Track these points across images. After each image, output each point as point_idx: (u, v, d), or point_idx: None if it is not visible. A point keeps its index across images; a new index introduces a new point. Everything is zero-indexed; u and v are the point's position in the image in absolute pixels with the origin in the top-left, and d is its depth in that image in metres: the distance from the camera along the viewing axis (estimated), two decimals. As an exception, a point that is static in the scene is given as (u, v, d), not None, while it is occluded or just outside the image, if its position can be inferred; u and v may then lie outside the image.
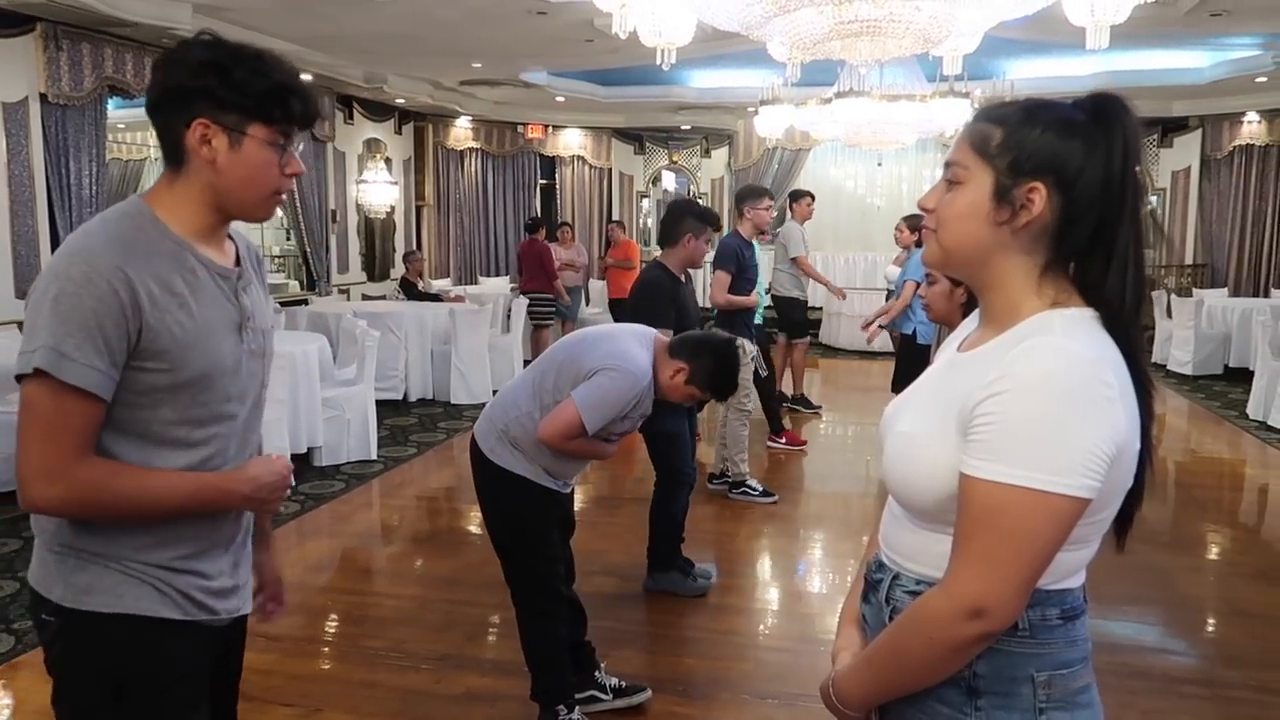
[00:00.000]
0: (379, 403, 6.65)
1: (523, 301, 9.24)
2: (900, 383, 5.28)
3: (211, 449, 1.47)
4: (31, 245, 6.41)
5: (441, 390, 8.14)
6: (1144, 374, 1.17)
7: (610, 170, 13.23)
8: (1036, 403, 1.08)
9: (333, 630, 3.80)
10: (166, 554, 1.46)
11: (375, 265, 11.02)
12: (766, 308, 6.88)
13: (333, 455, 6.01)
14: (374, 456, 6.23)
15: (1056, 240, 1.18)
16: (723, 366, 2.89)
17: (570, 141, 12.96)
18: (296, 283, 10.13)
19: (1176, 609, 4.02)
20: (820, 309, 11.46)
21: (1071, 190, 1.16)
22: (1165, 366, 9.72)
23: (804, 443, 6.68)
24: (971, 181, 1.19)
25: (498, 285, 11.66)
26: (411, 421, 7.43)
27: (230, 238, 1.56)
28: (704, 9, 4.63)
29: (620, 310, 8.81)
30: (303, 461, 5.80)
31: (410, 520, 5.33)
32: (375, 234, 11.02)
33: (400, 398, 7.86)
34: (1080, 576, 1.22)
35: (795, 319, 7.60)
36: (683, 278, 4.28)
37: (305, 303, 9.03)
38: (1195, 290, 10.84)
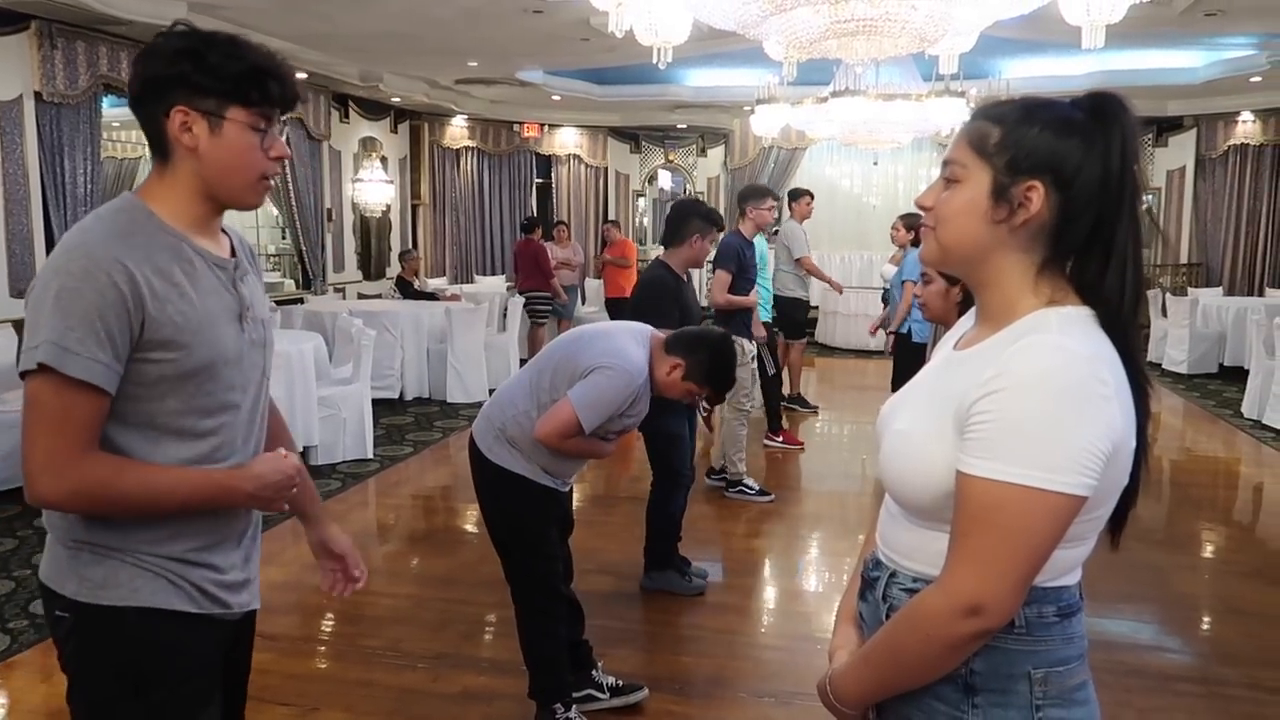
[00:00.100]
0: (375, 402, 6.64)
1: (519, 300, 9.23)
2: (899, 382, 5.29)
3: (218, 439, 1.48)
4: (26, 244, 6.39)
5: (437, 389, 8.14)
6: (1141, 372, 1.18)
7: (606, 169, 13.23)
8: (1033, 401, 1.08)
9: (329, 629, 3.79)
10: (179, 546, 1.47)
11: (371, 264, 11.01)
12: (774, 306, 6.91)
13: (328, 454, 6.00)
14: (370, 455, 6.22)
15: (1054, 239, 1.19)
16: (719, 361, 2.89)
17: (566, 140, 12.96)
18: (292, 282, 10.12)
19: (1172, 607, 4.03)
20: (816, 308, 11.47)
21: (1069, 189, 1.16)
22: (1160, 365, 9.75)
23: (801, 443, 6.69)
24: (969, 180, 1.19)
25: (494, 284, 11.66)
26: (407, 420, 7.43)
27: (224, 231, 1.57)
28: (700, 8, 4.63)
29: (617, 310, 8.82)
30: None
31: (406, 519, 5.33)
32: (371, 233, 11.01)
33: (396, 397, 7.85)
34: (1076, 574, 1.22)
35: (797, 319, 7.60)
36: (685, 277, 4.29)
37: (301, 302, 9.02)
38: (1190, 289, 10.87)
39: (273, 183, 1.52)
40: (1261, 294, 10.64)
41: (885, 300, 7.04)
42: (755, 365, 5.61)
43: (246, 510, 1.58)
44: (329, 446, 6.00)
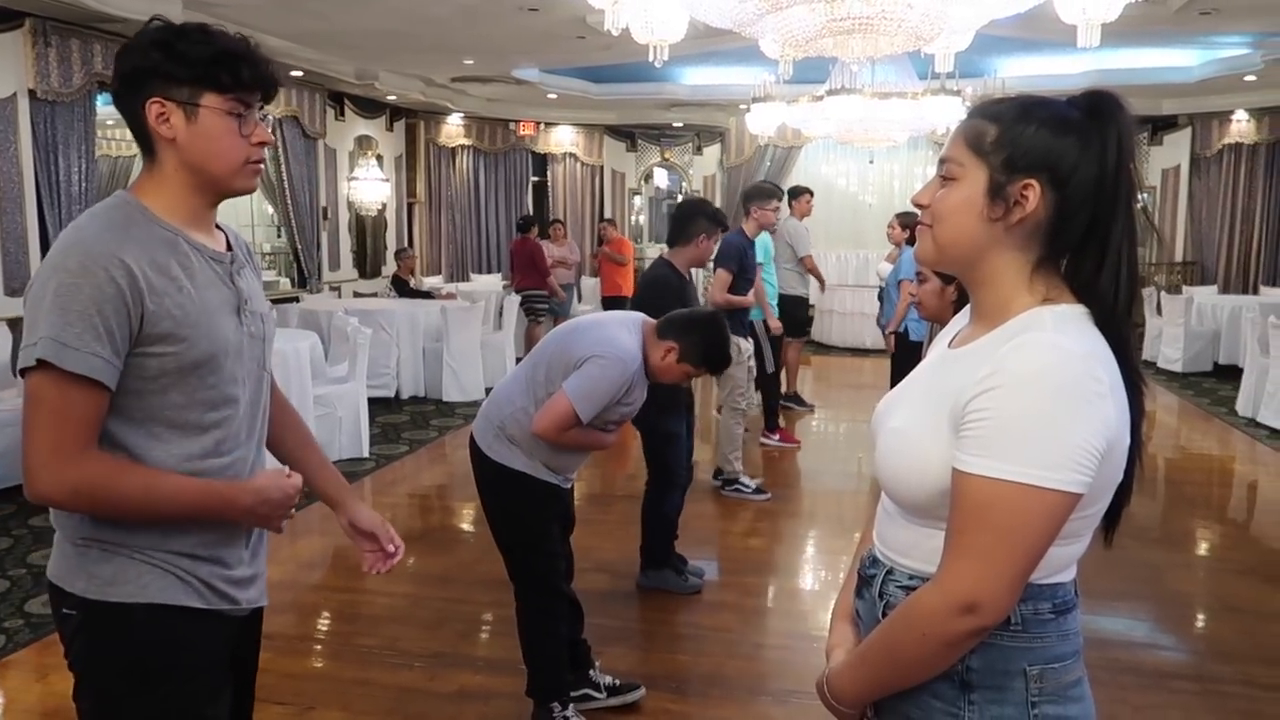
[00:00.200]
0: (371, 400, 6.64)
1: (514, 299, 9.22)
2: (897, 381, 5.29)
3: (221, 432, 1.49)
4: (20, 243, 6.37)
5: (433, 388, 8.13)
6: (1135, 371, 1.18)
7: (602, 167, 13.22)
8: (1029, 399, 1.09)
9: (325, 628, 3.79)
10: (188, 541, 1.47)
11: (367, 262, 10.99)
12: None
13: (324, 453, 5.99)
14: (366, 454, 6.22)
15: (1049, 237, 1.19)
16: (712, 339, 2.89)
17: (562, 139, 12.95)
18: (288, 280, 10.10)
19: (1167, 605, 4.04)
20: (813, 306, 11.49)
21: (1065, 187, 1.16)
22: (1155, 364, 9.76)
23: (798, 441, 6.70)
24: (966, 178, 1.20)
25: (490, 282, 11.66)
26: (403, 419, 7.42)
27: (220, 227, 1.57)
28: (696, 6, 4.62)
29: (614, 308, 8.81)
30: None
31: (402, 518, 5.32)
32: (367, 231, 10.99)
33: (392, 395, 7.84)
34: (1072, 571, 1.23)
35: (798, 317, 7.60)
36: (688, 276, 4.29)
37: (296, 300, 9.00)
38: (1185, 288, 10.90)
39: (263, 168, 1.52)
40: (1256, 292, 10.66)
41: (881, 299, 7.05)
42: (750, 363, 5.61)
43: None
44: (325, 445, 5.92)
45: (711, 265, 5.38)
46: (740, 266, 5.29)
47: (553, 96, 11.47)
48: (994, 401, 1.10)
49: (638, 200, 13.72)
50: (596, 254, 11.24)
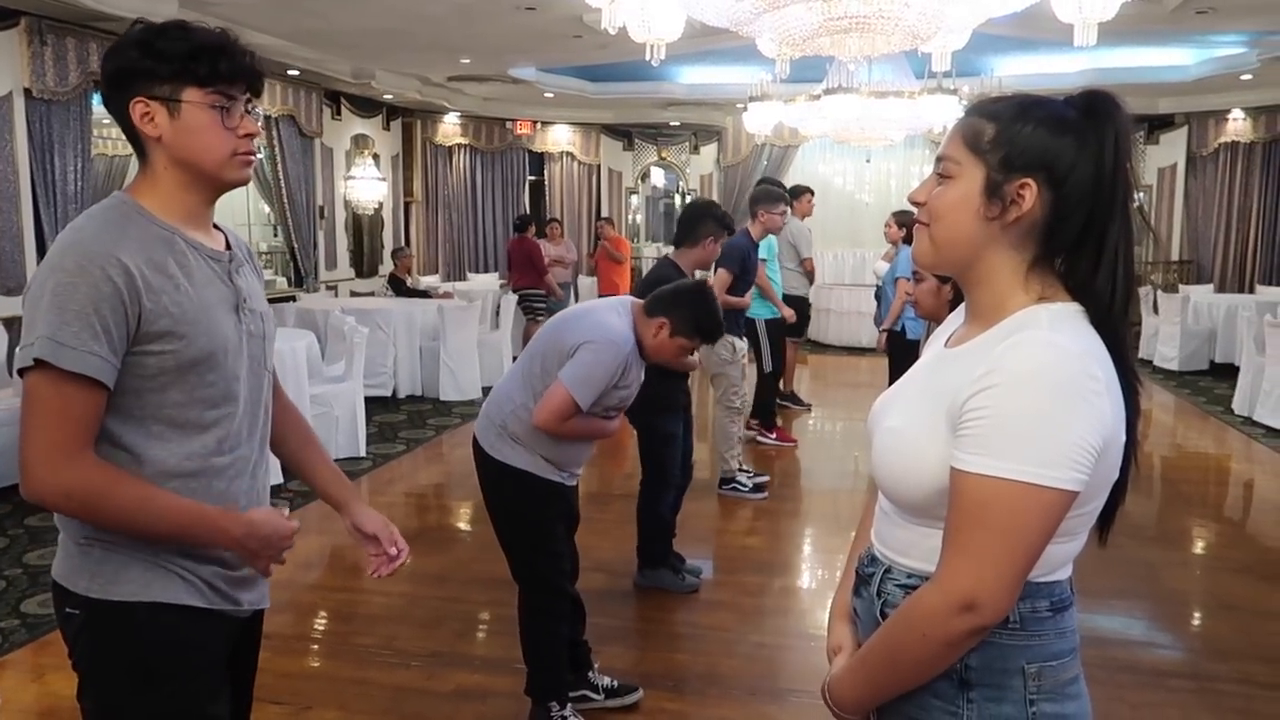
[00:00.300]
0: (367, 399, 6.64)
1: (511, 298, 9.22)
2: (895, 379, 5.29)
3: (222, 430, 1.49)
4: (16, 241, 6.36)
5: (430, 387, 8.12)
6: (1130, 370, 1.18)
7: (599, 166, 13.22)
8: (1026, 397, 1.09)
9: (322, 627, 3.79)
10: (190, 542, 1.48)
11: (363, 262, 10.98)
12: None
13: (321, 452, 5.98)
14: (363, 453, 6.21)
15: (1045, 236, 1.19)
16: (702, 308, 2.89)
17: (559, 138, 12.94)
18: (284, 279, 10.08)
19: (1163, 603, 4.05)
20: (810, 305, 11.49)
21: (1062, 187, 1.16)
22: (1151, 362, 9.78)
23: (794, 440, 6.70)
24: (963, 176, 1.20)
25: (486, 281, 11.65)
26: (400, 418, 7.42)
27: (219, 228, 1.58)
28: (693, 4, 4.62)
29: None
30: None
31: (399, 517, 5.32)
32: (363, 230, 10.98)
33: (389, 394, 7.83)
34: (1068, 569, 1.23)
35: (800, 317, 7.61)
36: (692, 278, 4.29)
37: (293, 299, 8.99)
38: (1181, 286, 10.91)
39: (260, 166, 1.52)
40: (1252, 291, 10.67)
41: (878, 297, 7.05)
42: (745, 362, 5.60)
43: (255, 506, 1.58)
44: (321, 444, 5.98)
45: (713, 265, 5.38)
46: (741, 269, 5.28)
47: (549, 95, 11.46)
48: (991, 400, 1.10)
49: (634, 199, 13.72)
50: (594, 253, 11.23)
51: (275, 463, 1.85)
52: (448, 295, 9.26)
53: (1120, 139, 1.16)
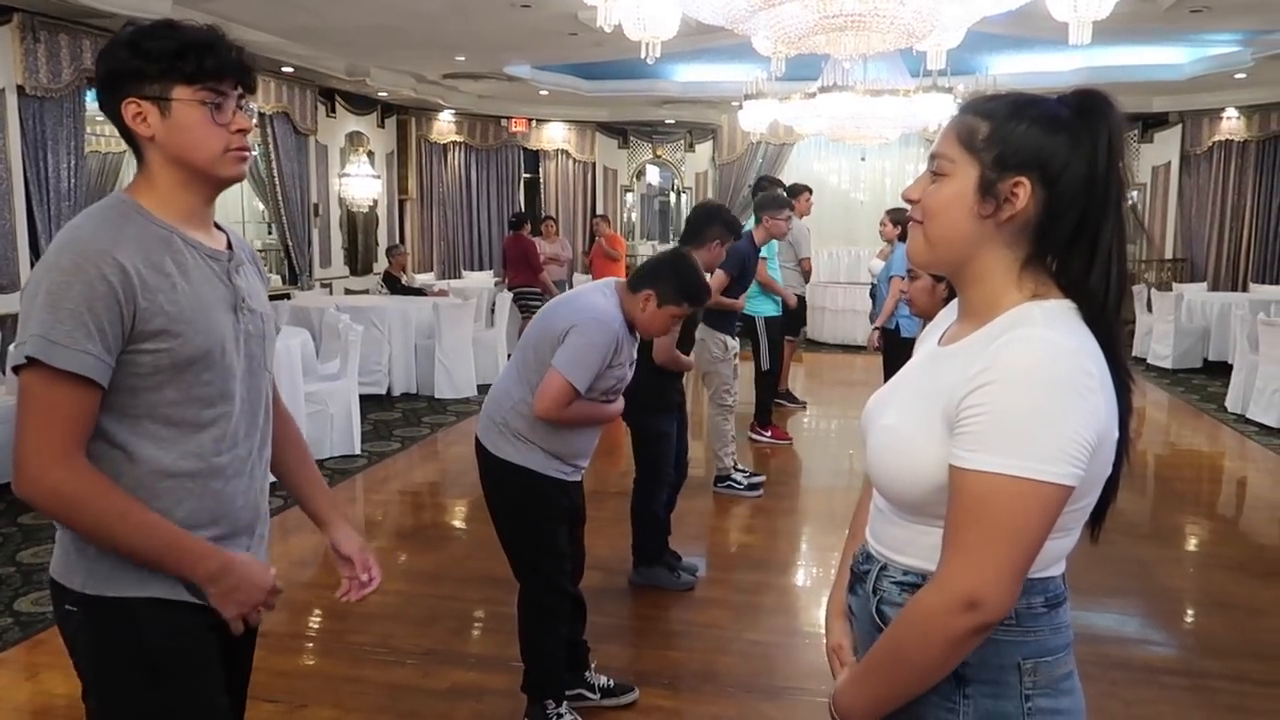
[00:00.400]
0: (362, 397, 6.62)
1: (507, 296, 9.21)
2: (890, 377, 5.30)
3: (218, 430, 1.49)
4: (9, 239, 6.34)
5: (425, 385, 8.11)
6: (1123, 367, 1.19)
7: (594, 164, 13.20)
8: (1022, 393, 1.09)
9: (317, 626, 3.78)
10: None
11: (358, 259, 10.97)
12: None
13: (316, 450, 5.96)
14: (357, 451, 6.21)
15: (1039, 234, 1.19)
16: (684, 272, 2.89)
17: (554, 135, 12.93)
18: (278, 277, 10.06)
19: (1157, 601, 4.06)
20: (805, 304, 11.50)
21: (1055, 185, 1.17)
22: (1145, 360, 9.80)
23: (789, 437, 6.71)
24: (957, 174, 1.20)
25: (481, 279, 11.63)
26: (395, 416, 7.41)
27: (220, 227, 1.58)
28: (689, 2, 4.63)
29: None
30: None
31: (394, 515, 5.32)
32: (358, 228, 10.96)
33: (384, 392, 7.82)
34: (1062, 565, 1.24)
35: (797, 315, 7.62)
36: None
37: (288, 297, 8.97)
38: (1175, 285, 10.93)
39: (254, 163, 1.52)
40: (1245, 289, 10.71)
41: (873, 295, 7.06)
42: (736, 360, 5.60)
43: (253, 506, 1.58)
44: (316, 442, 5.97)
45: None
46: (740, 272, 5.28)
47: (544, 93, 11.45)
48: (988, 397, 1.10)
49: (630, 197, 13.71)
50: (590, 251, 11.22)
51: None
52: (443, 293, 9.25)
53: (1113, 138, 1.17)
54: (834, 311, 11.41)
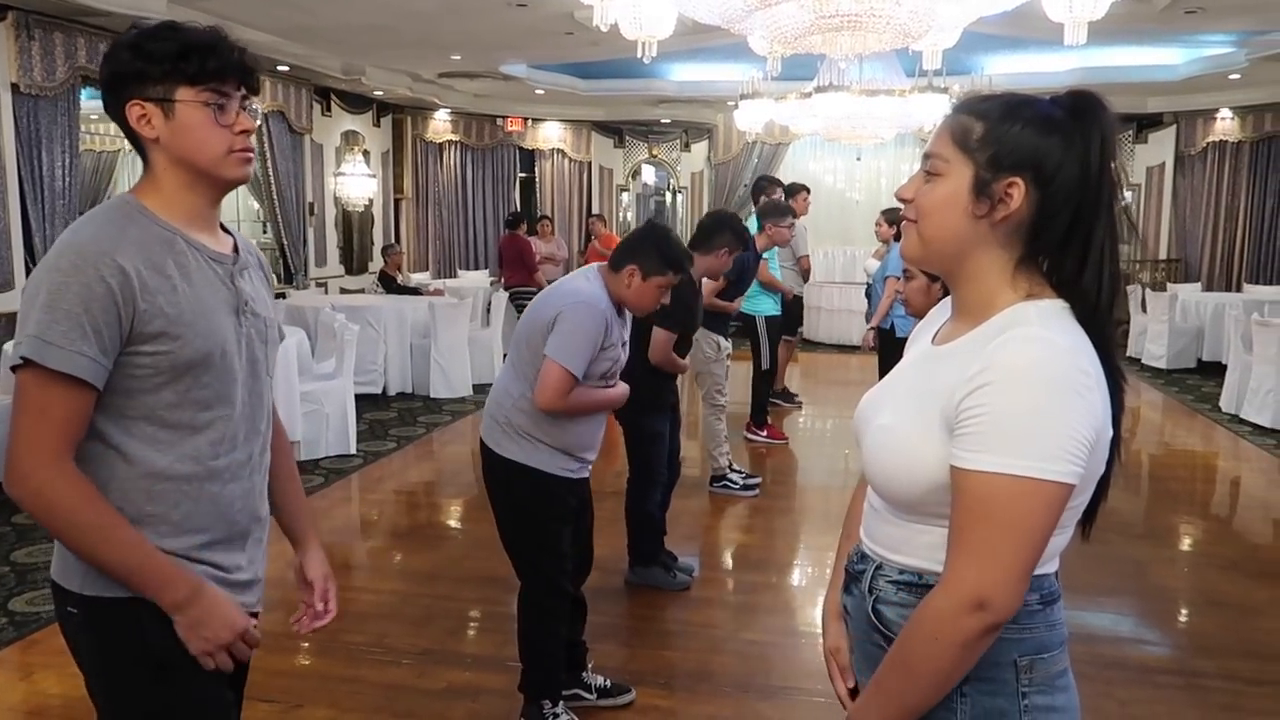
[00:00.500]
0: (358, 397, 6.61)
1: (502, 295, 9.21)
2: (885, 376, 5.30)
3: (216, 433, 1.48)
4: (4, 238, 6.31)
5: (421, 384, 8.10)
6: (1115, 367, 1.20)
7: (590, 164, 13.19)
8: (1021, 393, 1.10)
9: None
10: (183, 542, 1.47)
11: (353, 258, 10.95)
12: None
13: (311, 450, 5.97)
14: (353, 451, 6.20)
15: (1033, 235, 1.20)
16: (662, 241, 2.88)
17: (550, 135, 12.91)
18: (274, 276, 10.06)
19: (1151, 600, 4.07)
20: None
21: (1049, 186, 1.17)
22: (1140, 360, 9.82)
23: (785, 437, 6.71)
24: (951, 174, 1.20)
25: (477, 279, 11.62)
26: (391, 416, 7.40)
27: (226, 230, 1.58)
28: (685, 2, 4.63)
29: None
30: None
31: (390, 515, 5.31)
32: (353, 227, 10.94)
33: (379, 392, 7.81)
34: (1055, 562, 1.25)
35: (794, 315, 7.63)
36: (697, 284, 4.29)
37: (283, 296, 8.95)
38: (1169, 285, 10.96)
39: (252, 157, 1.52)
40: (1239, 289, 10.73)
41: (869, 295, 7.06)
42: (728, 360, 5.60)
43: (252, 509, 1.58)
44: (312, 442, 5.97)
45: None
46: (738, 276, 5.28)
47: (540, 92, 11.44)
48: (987, 398, 1.11)
49: (625, 197, 13.70)
50: (586, 250, 11.21)
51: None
52: (438, 292, 9.24)
53: (1106, 139, 1.17)
54: (829, 311, 11.42)
